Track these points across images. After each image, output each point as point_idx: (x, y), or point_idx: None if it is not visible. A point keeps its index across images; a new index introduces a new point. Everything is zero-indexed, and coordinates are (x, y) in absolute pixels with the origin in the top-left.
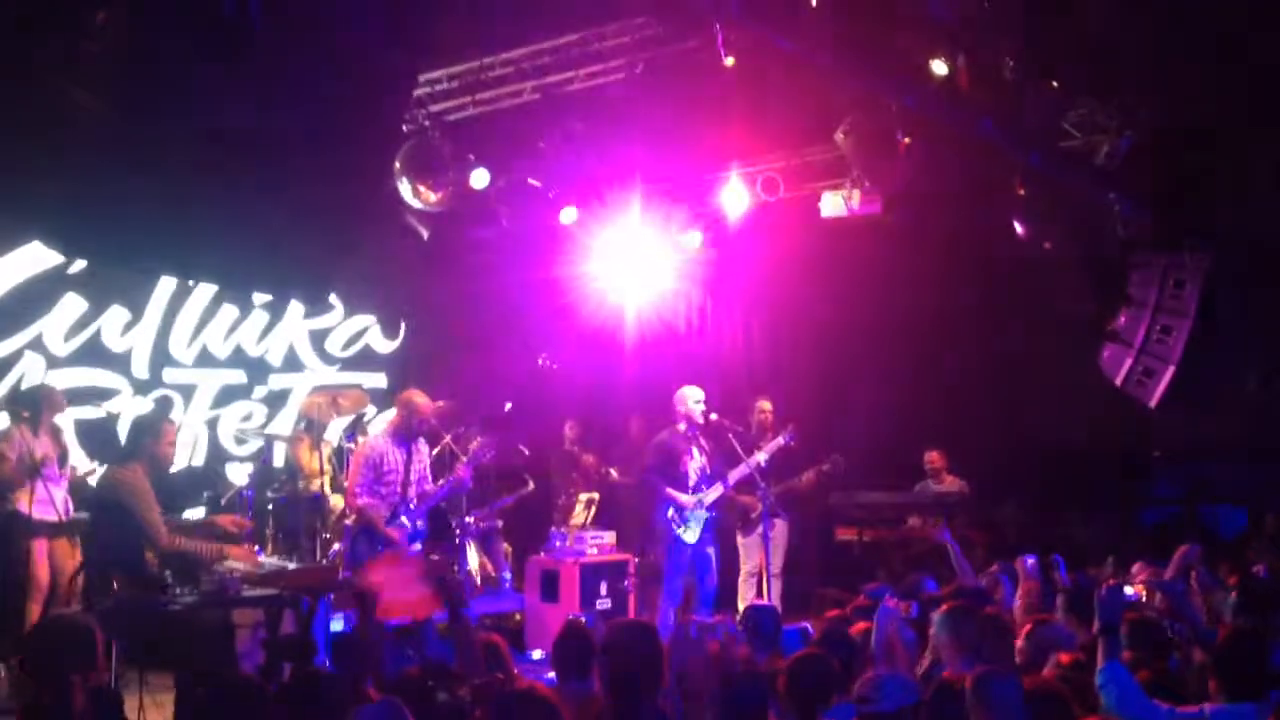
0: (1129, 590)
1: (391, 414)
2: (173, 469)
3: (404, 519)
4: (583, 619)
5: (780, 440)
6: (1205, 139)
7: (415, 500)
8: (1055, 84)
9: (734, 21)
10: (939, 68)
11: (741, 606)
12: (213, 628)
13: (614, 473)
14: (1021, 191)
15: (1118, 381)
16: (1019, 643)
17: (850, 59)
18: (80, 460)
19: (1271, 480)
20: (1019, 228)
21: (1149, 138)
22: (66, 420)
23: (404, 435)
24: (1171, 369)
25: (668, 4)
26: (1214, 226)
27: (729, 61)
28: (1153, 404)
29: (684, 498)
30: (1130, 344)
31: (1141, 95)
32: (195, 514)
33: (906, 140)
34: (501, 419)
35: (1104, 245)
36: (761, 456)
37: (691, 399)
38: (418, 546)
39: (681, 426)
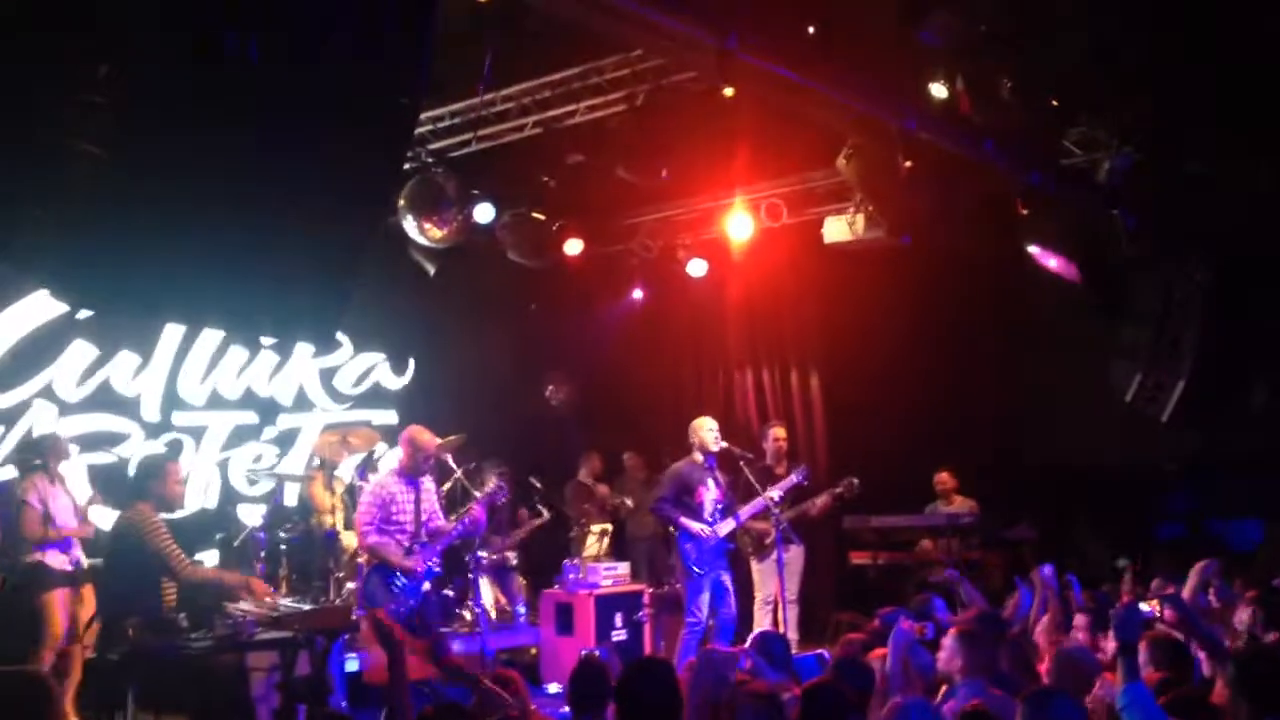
0: (1144, 607)
1: (400, 452)
2: (186, 512)
3: (418, 554)
4: (597, 653)
5: (793, 478)
6: (1206, 151)
7: (428, 538)
8: (1055, 103)
9: (733, 51)
10: (938, 91)
11: None
12: (227, 671)
13: (629, 502)
14: (1024, 211)
15: (1127, 397)
16: (1042, 667)
17: (849, 86)
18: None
19: None
20: (1035, 250)
21: (1149, 152)
22: (70, 468)
23: (410, 473)
24: (1182, 383)
25: (666, 36)
26: (1218, 239)
27: (729, 91)
28: (1164, 419)
29: (697, 526)
30: (1139, 359)
31: (1140, 109)
32: (208, 556)
33: (908, 164)
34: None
35: (1109, 261)
36: (774, 494)
37: (705, 428)
38: (427, 586)
39: (698, 457)
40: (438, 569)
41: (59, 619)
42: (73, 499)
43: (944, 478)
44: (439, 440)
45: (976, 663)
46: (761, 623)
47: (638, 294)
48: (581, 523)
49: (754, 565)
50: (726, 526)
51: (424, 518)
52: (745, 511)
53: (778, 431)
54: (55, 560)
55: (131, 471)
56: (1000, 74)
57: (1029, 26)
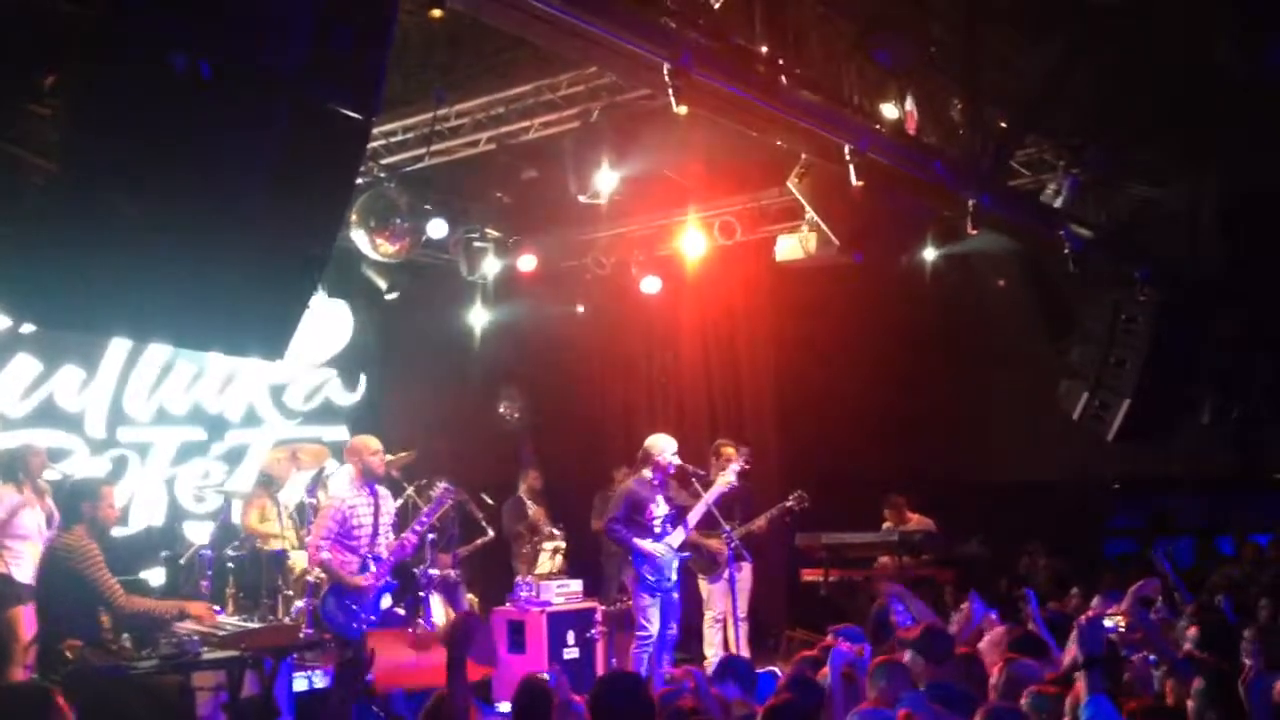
0: (1109, 622)
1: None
2: (132, 529)
3: (373, 568)
4: (544, 675)
5: (729, 479)
6: (1152, 175)
7: (385, 551)
8: (1003, 124)
9: (685, 70)
10: (889, 111)
11: (708, 651)
12: (173, 691)
13: (556, 531)
14: (973, 231)
15: (1075, 415)
16: (992, 680)
17: (802, 105)
18: None
19: (1226, 509)
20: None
21: (1097, 175)
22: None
23: (369, 479)
24: (1128, 402)
25: (618, 54)
26: (1163, 260)
27: (682, 110)
28: (1110, 437)
29: (650, 546)
30: (1086, 378)
31: (1088, 133)
32: (153, 574)
33: (860, 183)
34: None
35: (1056, 282)
36: (717, 488)
37: (660, 446)
38: (388, 602)
39: (647, 474)
40: (392, 582)
41: (25, 635)
42: (44, 514)
43: (896, 501)
44: (389, 456)
45: (892, 692)
46: (712, 640)
47: (580, 309)
48: (533, 540)
49: (703, 583)
50: (678, 536)
51: (382, 529)
52: (692, 518)
53: (729, 451)
54: (18, 572)
55: (66, 493)
56: (950, 95)
57: (979, 49)
